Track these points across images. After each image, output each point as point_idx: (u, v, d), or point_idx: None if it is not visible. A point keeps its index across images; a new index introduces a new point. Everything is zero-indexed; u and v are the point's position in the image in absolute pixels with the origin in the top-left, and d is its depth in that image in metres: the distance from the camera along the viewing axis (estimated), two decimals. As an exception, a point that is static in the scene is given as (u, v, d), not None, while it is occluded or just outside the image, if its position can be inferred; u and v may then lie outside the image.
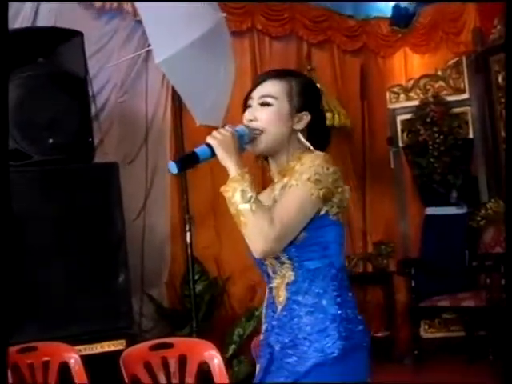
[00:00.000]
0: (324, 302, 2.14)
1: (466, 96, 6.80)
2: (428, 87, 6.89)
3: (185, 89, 4.56)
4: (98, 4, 5.50)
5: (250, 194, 2.06)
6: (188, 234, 4.98)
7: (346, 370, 2.15)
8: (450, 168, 6.66)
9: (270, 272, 2.21)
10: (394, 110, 6.99)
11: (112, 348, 4.44)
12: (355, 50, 7.30)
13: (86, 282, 4.49)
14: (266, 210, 2.07)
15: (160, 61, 4.34)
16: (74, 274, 4.45)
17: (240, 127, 2.21)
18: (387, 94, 7.05)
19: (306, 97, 2.25)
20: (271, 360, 2.22)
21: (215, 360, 3.25)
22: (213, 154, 2.13)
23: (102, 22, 5.60)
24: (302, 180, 2.08)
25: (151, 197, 5.81)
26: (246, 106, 2.26)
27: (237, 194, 2.07)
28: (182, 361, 3.26)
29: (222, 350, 3.26)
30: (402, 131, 6.94)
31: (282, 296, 2.19)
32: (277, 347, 2.19)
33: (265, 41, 6.77)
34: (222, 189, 2.12)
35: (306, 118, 2.23)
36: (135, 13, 5.28)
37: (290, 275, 2.16)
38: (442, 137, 6.59)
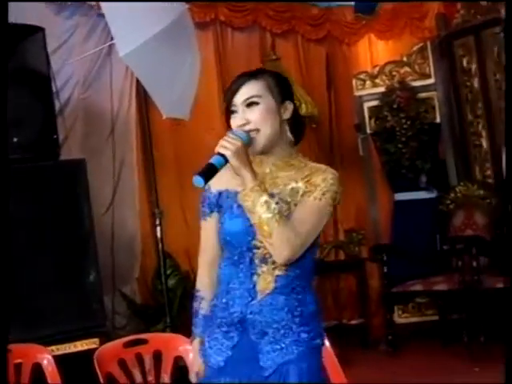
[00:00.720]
0: (308, 299, 2.29)
1: (431, 81, 6.82)
2: (394, 73, 6.89)
3: (150, 81, 4.50)
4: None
5: (273, 206, 2.16)
6: (158, 228, 4.93)
7: (320, 363, 2.33)
8: (418, 153, 6.68)
9: (257, 260, 2.26)
10: (360, 96, 6.98)
11: (85, 347, 4.40)
12: (319, 38, 7.27)
13: (56, 281, 4.44)
14: (287, 220, 2.18)
15: (124, 54, 4.28)
16: (44, 274, 4.39)
17: (240, 133, 2.24)
18: (353, 81, 7.03)
19: (283, 88, 2.34)
20: (244, 338, 2.28)
21: (191, 354, 3.23)
22: (226, 161, 2.18)
23: (62, 17, 5.53)
24: (326, 197, 2.23)
25: (119, 192, 5.77)
26: (229, 114, 2.30)
27: (259, 204, 2.16)
28: (157, 356, 3.23)
29: (198, 344, 3.24)
30: (370, 118, 6.94)
31: (267, 285, 2.26)
32: (254, 330, 2.26)
33: (228, 32, 6.74)
34: (241, 198, 2.20)
35: (289, 106, 2.33)
36: (98, 6, 5.20)
37: (281, 268, 2.25)
38: (409, 122, 6.60)
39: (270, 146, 2.29)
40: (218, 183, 2.34)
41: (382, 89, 6.86)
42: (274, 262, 2.24)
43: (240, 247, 2.28)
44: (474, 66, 6.55)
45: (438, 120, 6.80)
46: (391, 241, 6.80)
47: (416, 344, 6.26)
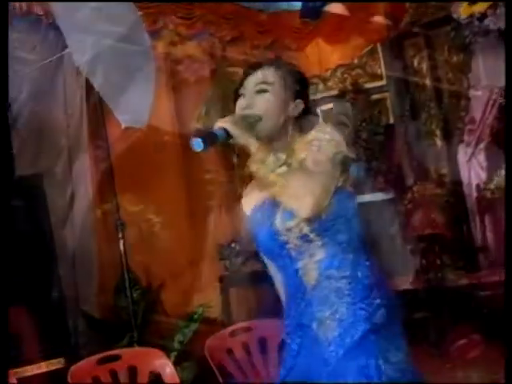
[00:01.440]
0: (359, 274, 2.18)
1: (383, 82, 6.84)
2: (346, 76, 6.90)
3: (107, 91, 4.39)
4: (7, 8, 5.26)
5: (283, 157, 2.16)
6: (121, 241, 4.79)
7: (388, 338, 2.19)
8: (374, 155, 6.68)
9: (294, 254, 2.20)
10: (314, 100, 6.96)
11: (50, 368, 4.26)
12: (268, 44, 7.24)
13: (18, 300, 4.28)
14: (301, 171, 2.13)
15: (80, 63, 4.18)
16: (5, 295, 4.23)
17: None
18: (305, 86, 6.99)
19: (300, 85, 2.29)
20: (306, 335, 2.19)
21: (167, 368, 3.18)
22: (228, 136, 2.13)
23: (10, 29, 5.38)
24: (323, 144, 2.14)
25: (75, 205, 5.62)
26: (237, 96, 2.26)
27: (268, 161, 2.09)
28: (132, 372, 3.15)
29: (164, 359, 3.20)
30: (324, 121, 6.90)
31: (312, 275, 2.19)
32: (313, 325, 2.17)
33: (177, 40, 6.65)
34: (249, 163, 2.13)
35: (300, 105, 2.27)
36: (47, 15, 5.06)
37: (319, 252, 2.18)
38: (363, 124, 6.61)
39: (271, 138, 2.22)
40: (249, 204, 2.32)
41: (334, 92, 6.85)
42: (311, 251, 2.17)
43: (272, 249, 2.23)
44: (425, 66, 6.59)
45: (391, 121, 6.82)
46: (351, 244, 6.76)
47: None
